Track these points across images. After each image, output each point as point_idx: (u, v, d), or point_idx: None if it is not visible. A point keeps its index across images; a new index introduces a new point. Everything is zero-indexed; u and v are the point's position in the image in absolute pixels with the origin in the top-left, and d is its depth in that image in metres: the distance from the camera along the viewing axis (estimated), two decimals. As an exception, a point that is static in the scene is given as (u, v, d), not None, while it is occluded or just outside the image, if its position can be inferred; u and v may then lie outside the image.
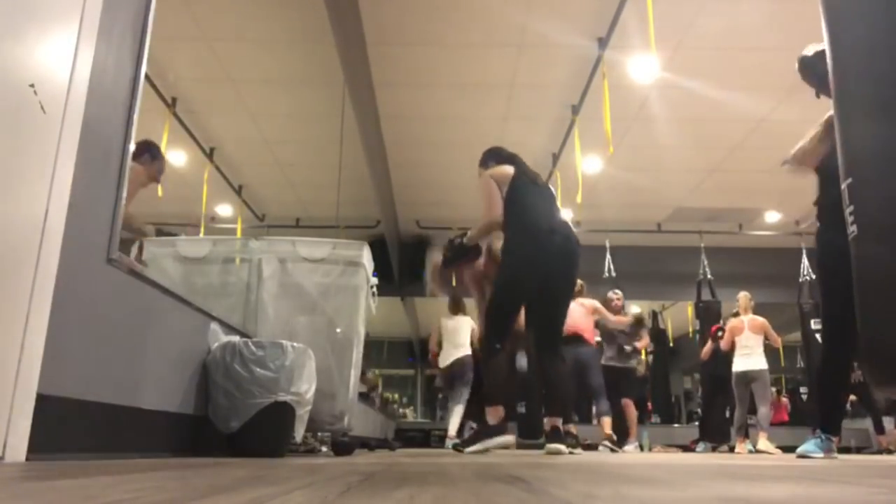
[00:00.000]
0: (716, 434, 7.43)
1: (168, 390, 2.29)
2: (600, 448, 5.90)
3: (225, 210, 8.60)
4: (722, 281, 8.86)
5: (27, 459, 1.47)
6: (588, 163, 7.06)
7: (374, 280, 3.61)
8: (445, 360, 6.75)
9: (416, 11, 5.07)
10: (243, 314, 3.23)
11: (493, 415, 3.45)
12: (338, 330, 3.32)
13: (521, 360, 6.26)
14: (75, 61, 1.67)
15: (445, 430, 6.85)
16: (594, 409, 6.89)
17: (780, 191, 8.04)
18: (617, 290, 7.10)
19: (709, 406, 7.69)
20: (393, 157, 7.34)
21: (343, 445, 3.29)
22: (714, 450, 7.27)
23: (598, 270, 8.68)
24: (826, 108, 2.92)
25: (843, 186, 1.59)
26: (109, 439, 1.85)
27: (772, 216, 9.09)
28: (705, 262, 8.99)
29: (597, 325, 6.47)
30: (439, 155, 7.17)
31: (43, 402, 1.52)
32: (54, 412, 1.57)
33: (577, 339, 6.09)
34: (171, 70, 5.68)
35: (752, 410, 6.67)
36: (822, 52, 3.08)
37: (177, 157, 6.75)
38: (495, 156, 3.81)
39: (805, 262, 8.62)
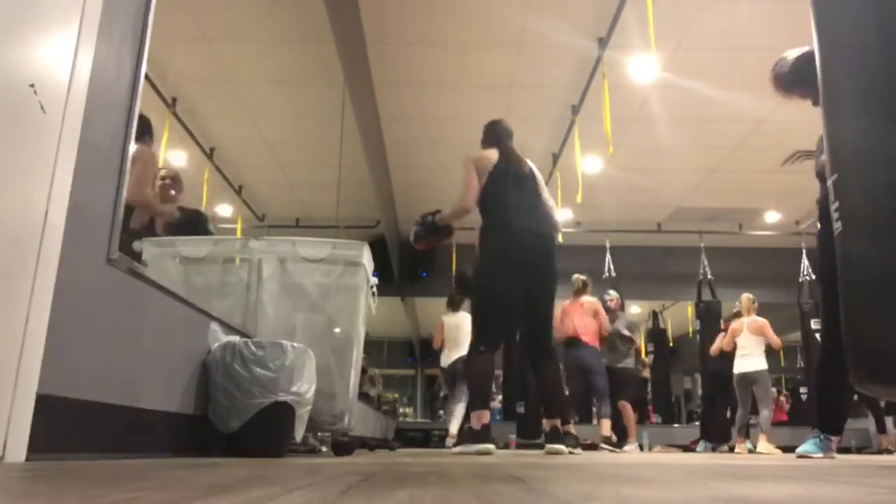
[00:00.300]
0: (716, 433, 7.44)
1: (168, 390, 2.29)
2: (601, 447, 5.90)
3: (225, 210, 8.60)
4: (722, 281, 8.86)
5: (27, 459, 1.47)
6: (588, 163, 7.06)
7: (374, 280, 3.60)
8: (447, 359, 6.75)
9: (416, 11, 5.07)
10: (243, 314, 3.23)
11: (476, 419, 3.38)
12: (338, 330, 3.32)
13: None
14: (75, 61, 1.67)
15: (446, 430, 6.85)
16: (594, 410, 6.91)
17: (780, 191, 8.05)
18: (611, 292, 7.11)
19: (709, 405, 7.69)
20: (393, 157, 7.34)
21: (343, 445, 3.29)
22: (714, 450, 7.27)
23: (598, 270, 8.69)
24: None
25: (829, 182, 1.60)
26: (109, 439, 1.85)
27: (772, 216, 9.10)
28: (705, 262, 8.99)
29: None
30: (439, 155, 7.17)
31: (43, 402, 1.52)
32: (54, 412, 1.57)
33: (576, 341, 6.09)
34: (171, 70, 5.69)
35: (754, 411, 6.68)
36: (803, 57, 3.08)
37: (177, 157, 6.76)
38: (486, 136, 3.80)
39: (805, 262, 8.62)
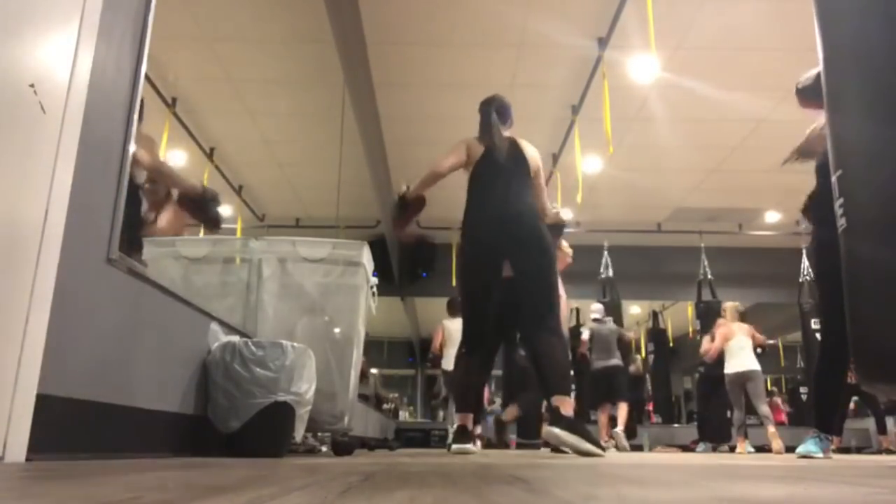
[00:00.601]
0: (714, 434, 7.44)
1: (168, 390, 2.29)
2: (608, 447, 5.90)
3: (225, 210, 8.59)
4: (722, 281, 8.87)
5: (27, 459, 1.47)
6: (588, 163, 7.06)
7: (374, 280, 3.60)
8: (448, 361, 6.76)
9: (416, 11, 5.08)
10: (243, 314, 3.23)
11: (461, 420, 3.25)
12: (337, 330, 3.32)
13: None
14: (75, 61, 1.67)
15: (446, 430, 6.85)
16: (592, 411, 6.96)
17: (780, 191, 8.04)
18: (595, 305, 7.20)
19: (704, 407, 7.70)
20: (393, 157, 7.34)
21: (343, 445, 3.29)
22: (714, 450, 7.27)
23: (597, 270, 8.70)
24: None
25: (834, 178, 1.59)
26: (109, 439, 1.85)
27: (772, 216, 9.10)
28: (705, 262, 8.99)
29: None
30: (439, 155, 7.17)
31: (43, 402, 1.52)
32: (54, 412, 1.57)
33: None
34: (171, 70, 5.69)
35: (750, 411, 6.68)
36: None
37: (177, 157, 6.76)
38: (480, 122, 3.64)
39: (805, 262, 8.62)
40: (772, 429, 6.18)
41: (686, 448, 8.08)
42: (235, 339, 2.57)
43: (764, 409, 6.40)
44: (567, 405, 2.98)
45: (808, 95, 3.22)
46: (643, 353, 10.65)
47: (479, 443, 5.68)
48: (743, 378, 6.52)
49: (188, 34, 5.25)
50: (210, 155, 7.06)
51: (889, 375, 1.49)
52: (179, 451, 2.27)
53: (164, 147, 5.75)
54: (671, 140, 6.90)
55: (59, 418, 1.61)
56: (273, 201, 8.80)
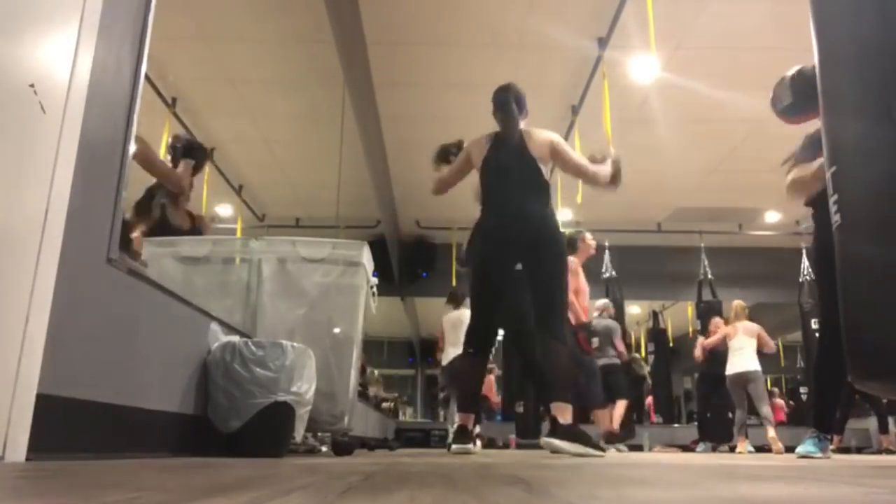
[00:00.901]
0: (715, 434, 7.44)
1: (168, 390, 2.29)
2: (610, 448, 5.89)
3: (225, 210, 8.60)
4: (722, 281, 8.87)
5: (27, 459, 1.47)
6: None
7: (374, 280, 3.60)
8: (446, 358, 6.74)
9: (416, 11, 5.08)
10: (243, 314, 3.23)
11: (461, 420, 3.27)
12: (337, 330, 3.32)
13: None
14: (75, 61, 1.67)
15: (446, 430, 6.85)
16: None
17: (780, 191, 7.94)
18: (600, 302, 7.20)
19: (704, 406, 7.70)
20: (393, 157, 7.34)
21: (343, 445, 3.29)
22: (714, 450, 7.27)
23: (598, 270, 8.70)
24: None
25: (828, 175, 1.59)
26: (109, 439, 1.85)
27: (772, 216, 9.10)
28: (706, 262, 8.99)
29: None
30: (439, 155, 7.17)
31: (43, 402, 1.52)
32: (54, 412, 1.57)
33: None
34: (171, 70, 5.69)
35: (751, 411, 6.68)
36: (797, 78, 3.09)
37: (177, 157, 6.75)
38: (496, 109, 3.40)
39: (805, 262, 8.62)
40: (772, 432, 6.18)
41: (686, 448, 8.08)
42: (235, 339, 2.57)
43: (765, 410, 6.40)
44: (566, 413, 3.01)
45: (791, 111, 3.17)
46: (643, 353, 10.65)
47: (479, 443, 5.68)
48: (743, 379, 6.51)
49: (188, 34, 5.25)
50: (210, 155, 7.06)
51: (882, 372, 1.48)
52: (179, 451, 2.27)
53: (164, 147, 5.75)
54: (671, 140, 6.90)
55: (59, 418, 1.61)
56: (273, 201, 8.80)
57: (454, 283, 8.69)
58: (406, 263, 9.74)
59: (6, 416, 1.44)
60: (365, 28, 5.17)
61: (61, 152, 1.61)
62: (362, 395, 6.27)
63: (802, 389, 11.28)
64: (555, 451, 2.96)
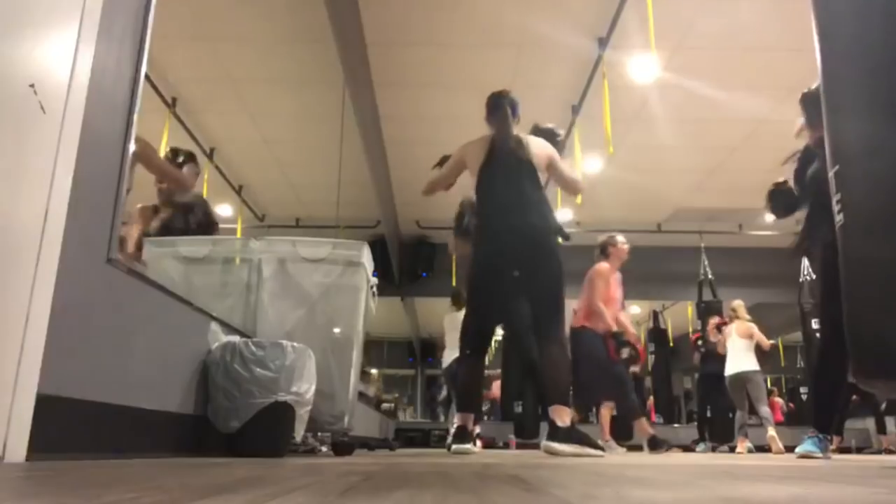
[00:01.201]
0: (714, 434, 7.44)
1: (168, 390, 2.29)
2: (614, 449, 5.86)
3: (225, 210, 8.60)
4: (722, 281, 8.86)
5: (27, 459, 1.47)
6: (588, 163, 7.06)
7: (374, 280, 3.60)
8: (447, 359, 6.73)
9: (415, 11, 5.08)
10: (243, 314, 3.23)
11: (461, 420, 3.27)
12: (337, 330, 3.32)
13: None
14: (75, 61, 1.67)
15: (446, 430, 6.84)
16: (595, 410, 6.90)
17: (780, 191, 8.03)
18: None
19: (704, 407, 7.69)
20: (393, 157, 7.34)
21: (343, 445, 3.29)
22: (714, 450, 7.27)
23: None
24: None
25: (831, 174, 1.59)
26: (109, 439, 1.85)
27: (772, 216, 9.09)
28: (706, 262, 8.99)
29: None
30: (439, 155, 7.18)
31: (43, 402, 1.52)
32: (54, 412, 1.57)
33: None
34: (171, 70, 5.69)
35: (751, 411, 6.68)
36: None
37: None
38: (490, 112, 3.50)
39: (805, 262, 8.62)
40: (771, 431, 6.17)
41: (686, 448, 8.08)
42: (235, 339, 2.57)
43: (765, 410, 6.40)
44: (564, 415, 3.03)
45: (780, 216, 3.57)
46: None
47: (478, 443, 5.67)
48: (741, 379, 6.51)
49: (188, 34, 5.25)
50: (210, 155, 7.06)
51: (886, 372, 1.48)
52: (179, 451, 2.27)
53: (165, 147, 5.74)
54: (671, 140, 6.90)
55: (59, 418, 1.61)
56: (273, 201, 8.80)
57: (454, 283, 8.69)
58: (406, 263, 9.74)
59: (6, 416, 1.44)
60: (365, 28, 5.17)
61: (61, 152, 1.61)
62: (362, 395, 6.27)
63: (802, 389, 11.28)
64: (553, 454, 2.97)
